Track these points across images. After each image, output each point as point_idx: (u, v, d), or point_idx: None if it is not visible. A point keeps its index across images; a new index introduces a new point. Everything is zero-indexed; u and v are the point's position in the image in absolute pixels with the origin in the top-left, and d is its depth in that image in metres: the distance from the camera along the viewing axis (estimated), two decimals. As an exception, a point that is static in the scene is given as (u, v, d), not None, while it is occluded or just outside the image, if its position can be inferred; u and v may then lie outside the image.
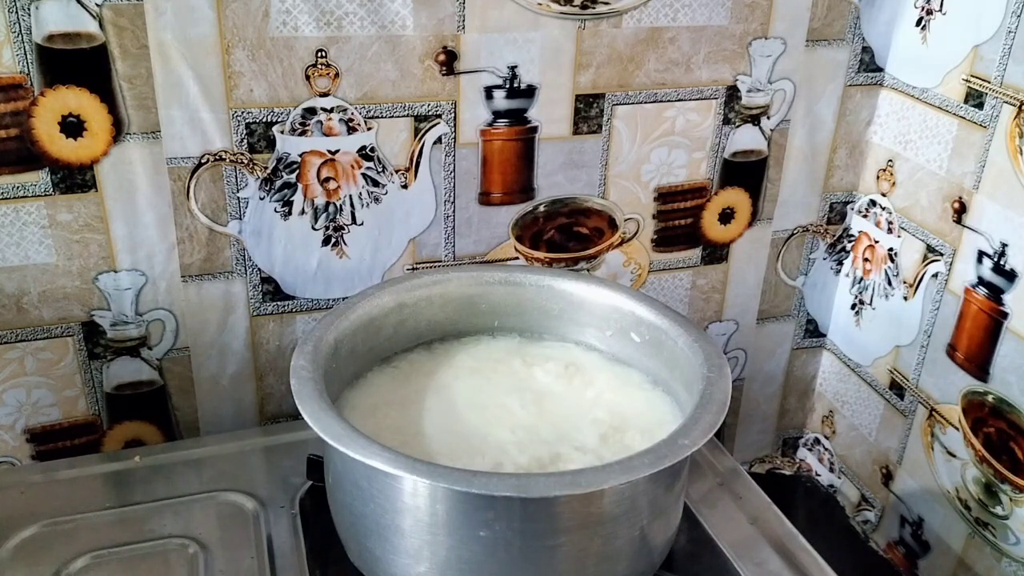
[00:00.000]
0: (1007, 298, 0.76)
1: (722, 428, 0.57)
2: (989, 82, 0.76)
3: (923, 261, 0.85)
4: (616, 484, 0.52)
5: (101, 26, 0.65)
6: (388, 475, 0.52)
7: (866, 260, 0.94)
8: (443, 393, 0.67)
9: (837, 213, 0.95)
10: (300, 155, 0.74)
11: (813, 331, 1.01)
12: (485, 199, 0.81)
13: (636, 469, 0.52)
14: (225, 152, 0.72)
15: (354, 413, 0.65)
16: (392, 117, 0.75)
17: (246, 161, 0.73)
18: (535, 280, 0.73)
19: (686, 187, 0.87)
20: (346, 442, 0.52)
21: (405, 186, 0.78)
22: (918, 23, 0.83)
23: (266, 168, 0.74)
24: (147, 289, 0.75)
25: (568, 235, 0.85)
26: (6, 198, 0.68)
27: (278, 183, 0.74)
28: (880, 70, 0.88)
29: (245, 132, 0.72)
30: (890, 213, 0.89)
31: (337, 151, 0.75)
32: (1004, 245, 0.75)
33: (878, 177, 0.91)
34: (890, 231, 0.89)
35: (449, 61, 0.74)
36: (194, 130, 0.70)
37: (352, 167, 0.76)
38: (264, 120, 0.72)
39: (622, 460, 0.52)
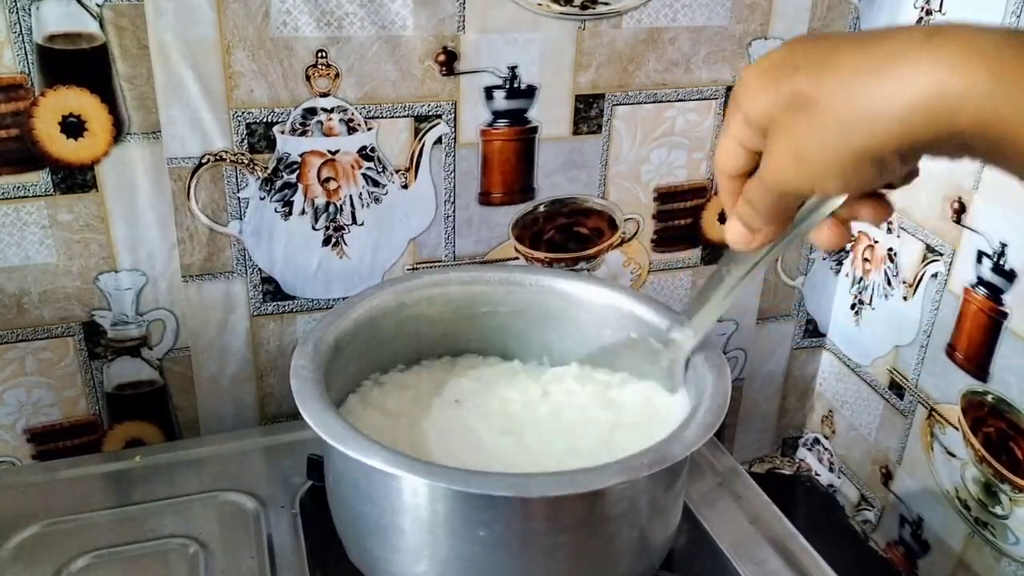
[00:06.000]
0: (1007, 298, 0.76)
1: (722, 428, 0.57)
2: (989, 82, 0.76)
3: (922, 261, 0.85)
4: (615, 484, 0.52)
5: (101, 26, 0.65)
6: (387, 475, 0.52)
7: (866, 260, 0.94)
8: (445, 392, 0.68)
9: (837, 213, 0.95)
10: (300, 155, 0.74)
11: (813, 331, 1.01)
12: (485, 199, 0.81)
13: (635, 469, 0.52)
14: (225, 152, 0.72)
15: (356, 412, 0.65)
16: (392, 117, 0.75)
17: (246, 161, 0.73)
18: (535, 280, 0.73)
19: (686, 187, 0.87)
20: (345, 442, 0.52)
21: (405, 186, 0.78)
22: (918, 23, 0.83)
23: (266, 168, 0.74)
24: (147, 289, 0.75)
25: (568, 235, 0.86)
26: (7, 198, 0.68)
27: (278, 183, 0.74)
28: (880, 70, 0.88)
29: (245, 132, 0.72)
30: (890, 213, 0.89)
31: (337, 151, 0.75)
32: (1004, 245, 0.75)
33: (878, 177, 0.91)
34: (889, 231, 0.89)
35: (449, 61, 0.74)
36: (194, 130, 0.70)
37: (352, 167, 0.76)
38: (264, 120, 0.72)
39: (621, 460, 0.52)
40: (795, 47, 0.41)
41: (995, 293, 0.77)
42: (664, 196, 0.87)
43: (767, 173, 0.42)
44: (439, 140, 0.77)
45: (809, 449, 1.07)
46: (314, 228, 0.77)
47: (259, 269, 0.77)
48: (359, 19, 0.71)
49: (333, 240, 0.78)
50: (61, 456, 0.76)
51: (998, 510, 0.79)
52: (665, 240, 0.89)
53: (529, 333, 0.73)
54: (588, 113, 0.80)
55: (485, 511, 0.53)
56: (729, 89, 0.84)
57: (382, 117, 0.75)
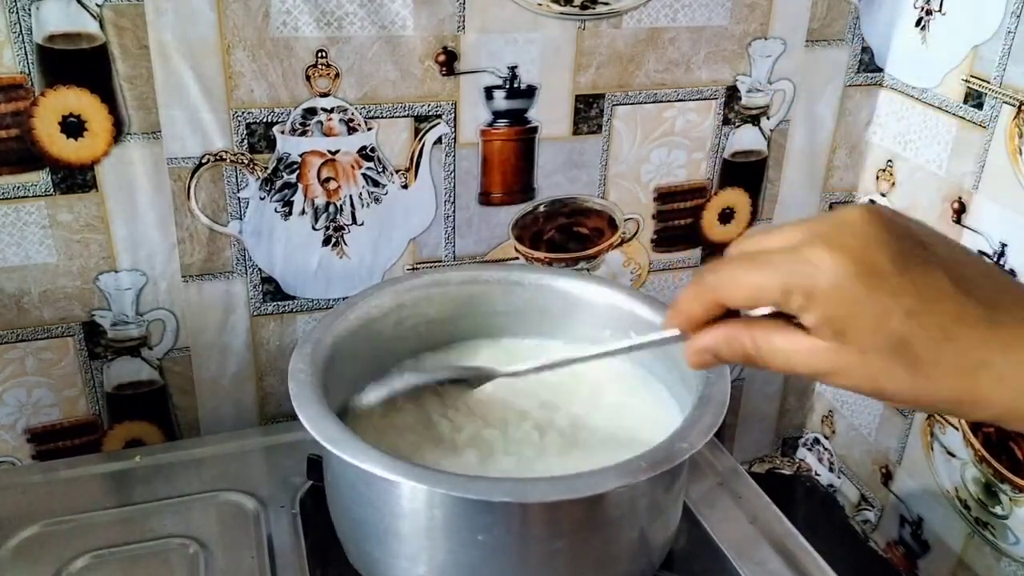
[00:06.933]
0: (1007, 298, 0.76)
1: (722, 428, 0.56)
2: (989, 82, 0.76)
3: (923, 261, 0.85)
4: (614, 488, 0.52)
5: (102, 26, 0.65)
6: (386, 480, 0.51)
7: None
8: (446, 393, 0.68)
9: (837, 213, 0.95)
10: (300, 155, 0.74)
11: (813, 331, 1.01)
12: (485, 199, 0.81)
13: (634, 472, 0.51)
14: (225, 152, 0.72)
15: (356, 413, 0.65)
16: (392, 117, 0.75)
17: (246, 161, 0.73)
18: (534, 279, 0.73)
19: (686, 187, 0.87)
20: (343, 447, 0.52)
21: (405, 186, 0.78)
22: (918, 23, 0.83)
23: (266, 168, 0.74)
24: (148, 289, 0.75)
25: (568, 235, 0.85)
26: (7, 198, 0.68)
27: (278, 183, 0.74)
28: (880, 70, 0.88)
29: (245, 132, 0.72)
30: (890, 213, 0.89)
31: (337, 151, 0.75)
32: (1004, 245, 0.75)
33: (878, 177, 0.91)
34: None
35: (449, 61, 0.74)
36: (194, 130, 0.70)
37: (352, 167, 0.76)
38: (264, 120, 0.72)
39: (620, 464, 0.52)
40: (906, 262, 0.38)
41: (995, 293, 0.77)
42: (664, 196, 0.87)
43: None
44: (439, 140, 0.77)
45: (809, 449, 1.07)
46: (314, 228, 0.77)
47: (259, 269, 0.77)
48: (359, 19, 0.71)
49: (333, 240, 0.78)
50: (61, 456, 0.76)
51: (998, 510, 0.79)
52: (665, 240, 0.89)
53: (528, 332, 0.73)
54: (588, 113, 0.80)
55: (484, 516, 0.53)
56: (729, 89, 0.84)
57: (382, 117, 0.75)
